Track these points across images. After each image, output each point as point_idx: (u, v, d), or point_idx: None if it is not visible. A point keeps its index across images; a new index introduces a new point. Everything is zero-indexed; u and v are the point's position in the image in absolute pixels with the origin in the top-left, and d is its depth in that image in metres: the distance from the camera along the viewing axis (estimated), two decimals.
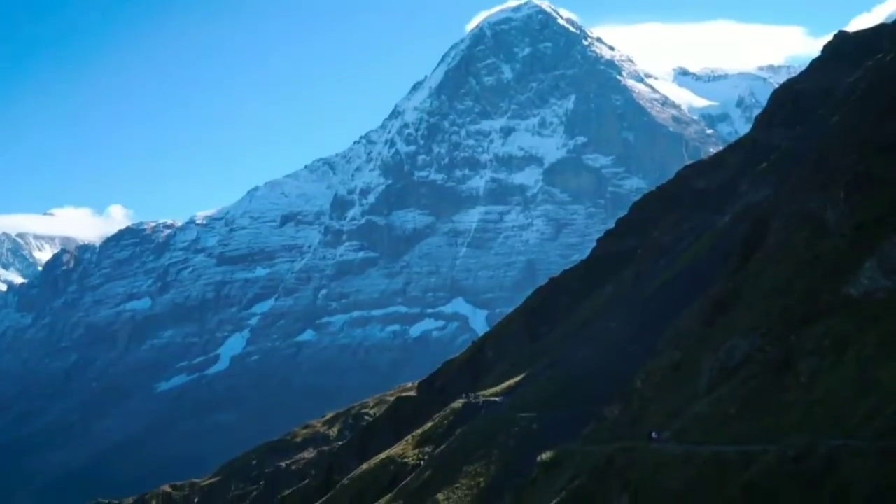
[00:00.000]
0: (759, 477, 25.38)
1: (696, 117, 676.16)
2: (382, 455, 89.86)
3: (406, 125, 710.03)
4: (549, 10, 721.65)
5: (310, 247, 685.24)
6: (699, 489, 28.57)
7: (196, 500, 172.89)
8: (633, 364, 60.53)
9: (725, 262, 65.78)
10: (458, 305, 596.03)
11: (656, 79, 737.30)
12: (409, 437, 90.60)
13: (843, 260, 36.58)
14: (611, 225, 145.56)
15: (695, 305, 63.40)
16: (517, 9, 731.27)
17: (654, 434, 37.96)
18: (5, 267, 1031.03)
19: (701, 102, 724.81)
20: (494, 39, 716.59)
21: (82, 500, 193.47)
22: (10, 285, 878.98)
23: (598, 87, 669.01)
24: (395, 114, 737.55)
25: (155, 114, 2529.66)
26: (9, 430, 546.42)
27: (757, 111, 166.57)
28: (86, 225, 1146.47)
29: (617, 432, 46.44)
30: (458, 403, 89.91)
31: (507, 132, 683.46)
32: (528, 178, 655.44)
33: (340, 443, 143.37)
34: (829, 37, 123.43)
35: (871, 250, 32.45)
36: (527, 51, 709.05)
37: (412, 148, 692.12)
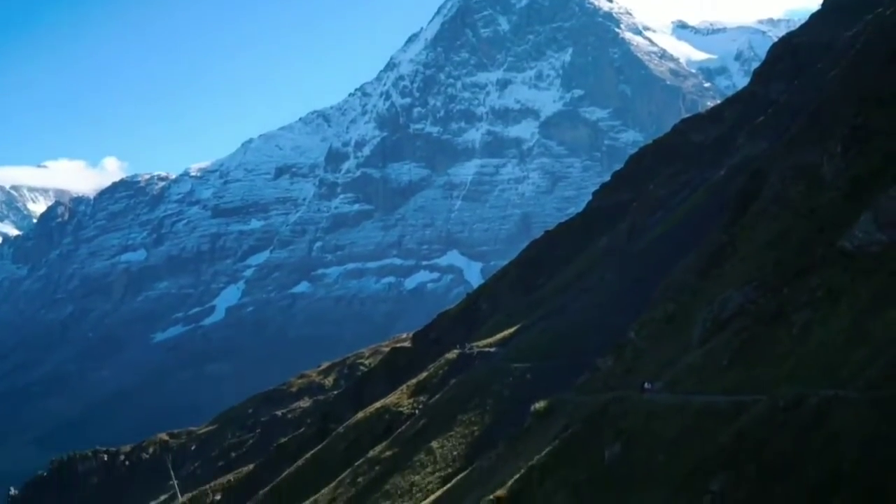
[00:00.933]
0: (750, 426, 25.68)
1: (693, 70, 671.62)
2: (377, 404, 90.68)
3: (401, 77, 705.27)
4: None
5: (304, 199, 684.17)
6: (691, 437, 28.91)
7: (193, 448, 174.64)
8: (628, 316, 60.92)
9: (721, 215, 65.87)
10: (453, 258, 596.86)
11: (654, 31, 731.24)
12: (403, 387, 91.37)
13: (839, 213, 36.62)
14: (607, 178, 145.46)
15: (689, 258, 63.62)
16: None
17: (647, 384, 38.24)
18: (0, 219, 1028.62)
19: (699, 56, 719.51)
20: None
21: (80, 448, 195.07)
22: (6, 237, 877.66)
23: (595, 40, 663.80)
24: (391, 66, 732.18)
25: (150, 66, 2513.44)
26: (7, 379, 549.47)
27: (755, 65, 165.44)
28: (80, 177, 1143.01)
29: (610, 382, 46.81)
30: (452, 354, 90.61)
31: (503, 85, 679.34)
32: (525, 130, 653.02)
33: (336, 392, 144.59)
34: None
35: (867, 204, 32.48)
36: (524, 2, 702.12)
37: (407, 100, 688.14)
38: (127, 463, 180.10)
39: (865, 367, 24.43)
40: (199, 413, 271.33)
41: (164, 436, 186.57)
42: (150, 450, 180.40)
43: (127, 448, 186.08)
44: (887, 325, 26.26)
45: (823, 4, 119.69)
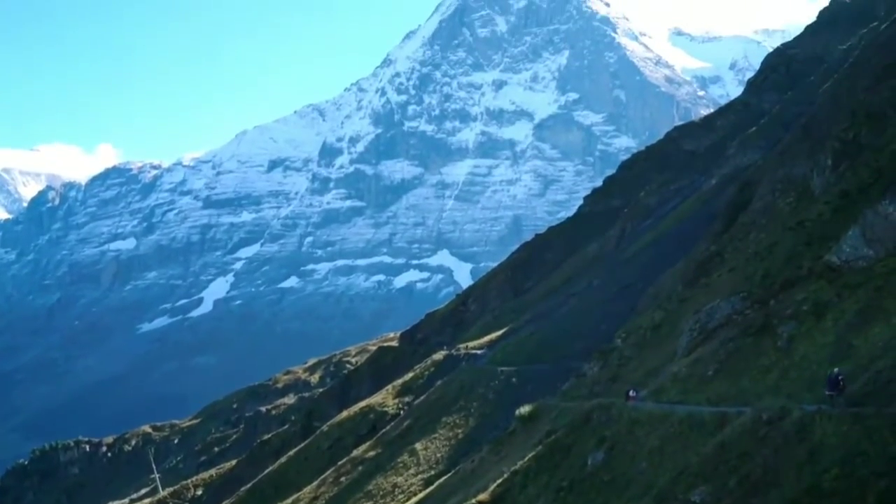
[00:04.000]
0: (732, 438, 25.68)
1: (688, 78, 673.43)
2: (362, 403, 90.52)
3: (398, 74, 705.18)
4: None
5: (297, 193, 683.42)
6: (673, 447, 28.92)
7: (175, 441, 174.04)
8: (614, 322, 61.00)
9: (710, 225, 66.00)
10: (443, 258, 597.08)
11: (651, 38, 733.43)
12: (389, 387, 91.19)
13: (827, 227, 36.79)
14: (598, 183, 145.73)
15: (678, 266, 63.74)
16: None
17: (631, 392, 38.20)
18: None
19: (694, 64, 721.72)
20: None
21: (64, 436, 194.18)
22: None
23: (591, 44, 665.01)
24: (387, 62, 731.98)
25: (148, 53, 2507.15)
26: None
27: (750, 74, 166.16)
28: (73, 162, 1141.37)
29: (595, 389, 46.82)
30: (439, 355, 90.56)
31: (498, 85, 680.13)
32: (518, 132, 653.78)
33: (321, 389, 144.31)
34: (829, 2, 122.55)
35: (855, 218, 32.58)
36: (522, 3, 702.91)
37: (403, 97, 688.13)
38: (109, 454, 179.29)
39: (848, 382, 24.48)
40: (183, 404, 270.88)
41: (147, 428, 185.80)
42: (133, 442, 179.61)
43: (109, 439, 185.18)
44: (871, 340, 26.35)
45: (819, 16, 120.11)
